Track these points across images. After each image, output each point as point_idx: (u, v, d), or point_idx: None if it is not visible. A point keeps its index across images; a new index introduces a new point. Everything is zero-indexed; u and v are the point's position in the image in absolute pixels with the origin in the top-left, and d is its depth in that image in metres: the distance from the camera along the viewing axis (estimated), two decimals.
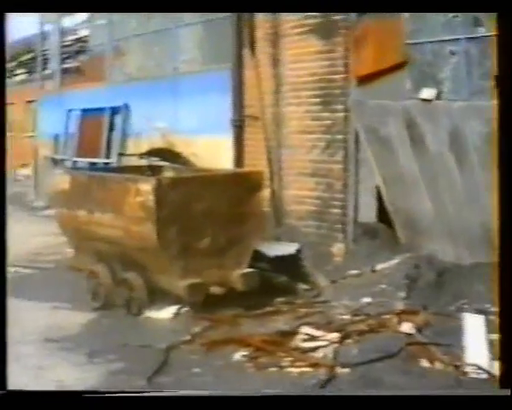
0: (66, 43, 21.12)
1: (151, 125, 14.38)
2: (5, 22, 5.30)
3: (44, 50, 21.83)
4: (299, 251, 9.65)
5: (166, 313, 8.33)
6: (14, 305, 8.80)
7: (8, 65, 40.15)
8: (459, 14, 8.78)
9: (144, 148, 14.28)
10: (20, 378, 6.03)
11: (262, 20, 11.15)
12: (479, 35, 8.67)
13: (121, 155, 15.39)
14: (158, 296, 8.47)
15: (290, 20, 10.61)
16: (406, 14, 9.27)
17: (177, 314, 8.31)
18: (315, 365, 6.45)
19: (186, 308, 8.34)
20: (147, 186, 8.12)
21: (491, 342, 6.45)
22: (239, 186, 8.76)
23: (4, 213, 5.32)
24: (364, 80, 9.66)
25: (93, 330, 8.10)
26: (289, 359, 6.64)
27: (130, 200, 8.26)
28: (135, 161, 14.12)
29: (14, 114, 34.01)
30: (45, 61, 21.96)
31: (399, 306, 7.83)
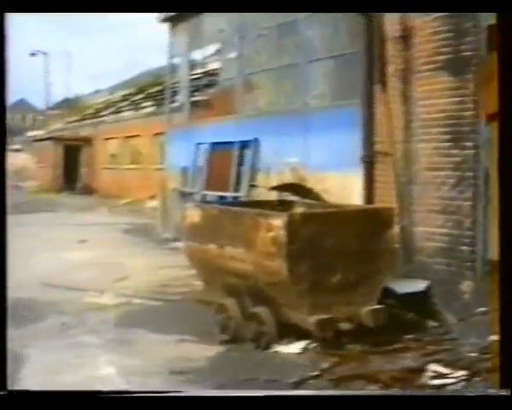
0: (196, 76, 21.83)
1: (281, 160, 14.75)
2: (5, 22, 5.56)
3: (173, 83, 22.61)
4: (428, 288, 9.76)
5: (295, 348, 8.48)
6: (140, 336, 9.37)
7: (136, 97, 41.89)
8: None
9: (274, 182, 14.65)
10: None
11: (393, 55, 11.34)
12: None
13: (252, 186, 15.77)
14: (287, 331, 8.64)
15: (421, 56, 10.78)
16: None
17: (305, 349, 8.45)
18: None
19: (315, 344, 8.47)
20: (278, 221, 8.34)
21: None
22: (369, 222, 8.93)
23: (4, 214, 5.69)
24: (495, 118, 9.74)
25: (220, 363, 8.31)
26: None
27: (262, 235, 8.51)
28: (264, 196, 14.51)
29: (141, 146, 35.42)
30: (174, 93, 22.75)
31: None
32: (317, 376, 7.51)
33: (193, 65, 21.30)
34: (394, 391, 5.99)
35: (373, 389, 6.38)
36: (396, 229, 9.14)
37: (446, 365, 7.49)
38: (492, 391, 5.46)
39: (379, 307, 8.70)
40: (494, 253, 9.57)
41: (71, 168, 41.66)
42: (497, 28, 5.21)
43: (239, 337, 8.97)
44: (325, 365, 7.85)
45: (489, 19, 8.91)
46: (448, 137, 10.31)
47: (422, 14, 10.42)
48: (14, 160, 67.97)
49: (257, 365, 8.10)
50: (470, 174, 9.98)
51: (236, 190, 16.64)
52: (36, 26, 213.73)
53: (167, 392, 5.92)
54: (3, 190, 5.72)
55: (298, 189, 12.90)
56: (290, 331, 8.66)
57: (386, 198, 11.19)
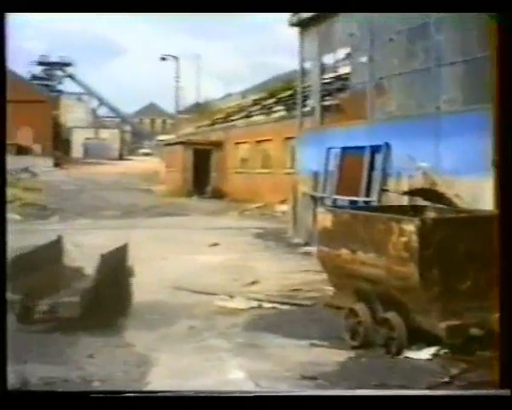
0: (327, 81, 22.05)
1: (412, 165, 14.81)
2: (5, 22, 5.59)
3: (304, 87, 22.90)
4: None
5: (425, 353, 8.58)
6: (270, 341, 9.63)
7: (268, 101, 42.51)
8: None
9: (405, 187, 14.70)
10: None
11: None
12: None
13: (384, 191, 15.89)
14: (417, 337, 8.72)
15: None
16: None
17: (435, 355, 8.54)
18: None
19: (445, 350, 8.55)
20: (411, 226, 8.49)
21: None
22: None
23: (4, 214, 5.75)
24: None
25: (351, 368, 8.44)
26: None
27: (394, 240, 8.66)
28: (395, 201, 14.59)
29: (272, 150, 35.95)
30: (304, 98, 23.02)
31: None
32: (447, 383, 7.58)
33: (324, 69, 21.48)
34: (394, 391, 6.02)
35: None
36: None
37: None
38: (492, 391, 5.45)
39: None
40: None
41: (201, 172, 42.51)
42: (497, 28, 5.23)
43: (369, 343, 9.10)
44: (455, 371, 7.94)
45: None
46: None
47: None
48: (144, 164, 70.11)
49: (387, 370, 8.22)
50: None
51: (367, 194, 16.75)
52: (166, 31, 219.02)
53: (150, 392, 6.23)
54: (3, 190, 5.80)
55: (429, 193, 12.91)
56: (420, 337, 8.73)
57: None
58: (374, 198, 16.38)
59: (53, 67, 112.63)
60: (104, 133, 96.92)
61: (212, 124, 49.67)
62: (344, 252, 9.64)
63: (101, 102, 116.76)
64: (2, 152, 5.75)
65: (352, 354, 8.95)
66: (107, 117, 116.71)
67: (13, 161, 55.56)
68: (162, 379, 8.01)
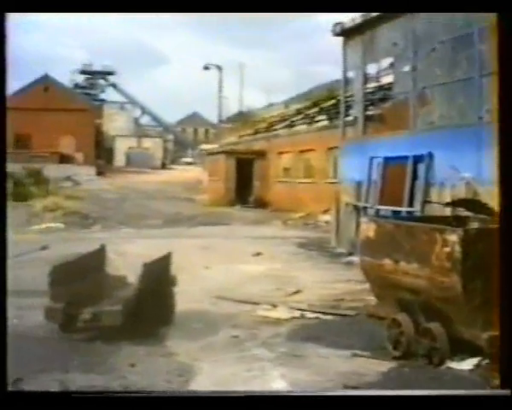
0: (369, 90, 22.11)
1: (455, 175, 14.80)
2: (5, 22, 5.62)
3: (347, 97, 23.00)
4: None
5: (467, 364, 8.60)
6: (313, 351, 9.69)
7: (310, 111, 42.61)
8: None
9: (447, 197, 14.69)
10: None
11: None
12: None
13: (427, 202, 15.89)
14: (459, 347, 8.74)
15: None
16: None
17: (477, 366, 8.55)
18: None
19: (487, 360, 8.54)
20: (454, 237, 8.54)
21: None
22: None
23: (5, 216, 5.90)
24: None
25: (393, 379, 8.47)
26: None
27: (437, 250, 8.71)
28: (438, 211, 14.59)
29: (314, 160, 36.03)
30: (347, 107, 23.12)
31: None
32: None
33: (366, 79, 21.55)
34: (394, 391, 6.02)
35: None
36: None
37: None
38: (492, 391, 5.44)
39: None
40: None
41: (244, 182, 42.66)
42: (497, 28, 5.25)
43: (411, 353, 9.13)
44: (496, 381, 7.74)
45: None
46: None
47: None
48: (187, 173, 70.45)
49: (429, 381, 8.24)
50: None
51: (410, 204, 16.77)
52: (210, 40, 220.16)
53: (150, 392, 6.31)
54: (4, 190, 5.95)
55: (472, 204, 12.89)
56: (463, 347, 8.75)
57: None
58: (417, 208, 16.40)
59: (95, 76, 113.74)
60: (147, 142, 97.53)
61: (255, 133, 49.85)
62: (387, 262, 9.69)
63: (144, 110, 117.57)
64: (3, 154, 5.89)
65: (393, 364, 8.98)
66: (150, 126, 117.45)
67: (55, 170, 56.32)
68: (205, 389, 8.05)
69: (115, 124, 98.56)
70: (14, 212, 34.29)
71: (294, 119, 44.63)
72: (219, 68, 67.79)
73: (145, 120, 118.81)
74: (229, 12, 6.24)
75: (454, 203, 13.27)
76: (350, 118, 22.79)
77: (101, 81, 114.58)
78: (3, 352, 5.74)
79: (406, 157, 17.19)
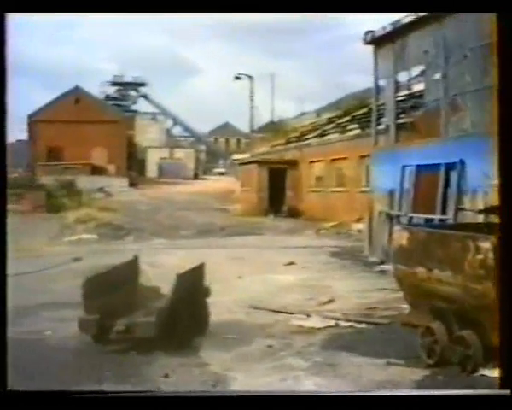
0: (400, 98, 22.10)
1: (487, 182, 14.73)
2: (5, 22, 5.60)
3: (379, 105, 23.02)
4: None
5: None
6: (347, 360, 9.72)
7: (342, 119, 42.64)
8: None
9: (480, 204, 14.66)
10: None
11: None
12: None
13: (459, 209, 15.85)
14: (493, 355, 8.53)
15: None
16: None
17: None
18: None
19: None
20: (487, 244, 8.52)
21: None
22: None
23: (4, 217, 5.83)
24: None
25: (427, 386, 8.45)
26: None
27: (470, 257, 8.70)
28: (471, 218, 14.55)
29: (347, 168, 36.03)
30: (379, 116, 23.12)
31: None
32: None
33: (398, 87, 21.55)
34: (394, 391, 6.00)
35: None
36: None
37: None
38: (492, 391, 5.41)
39: None
40: None
41: (276, 191, 42.71)
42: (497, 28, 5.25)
43: (445, 361, 9.12)
44: None
45: None
46: None
47: None
48: (219, 183, 70.65)
49: (462, 388, 8.15)
50: None
51: (443, 212, 16.74)
52: (240, 50, 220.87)
53: (150, 392, 6.34)
54: (4, 191, 5.85)
55: None
56: (496, 355, 8.55)
57: None
58: (449, 216, 16.36)
59: (127, 88, 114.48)
60: (179, 153, 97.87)
61: (287, 143, 49.92)
62: (420, 270, 9.66)
63: (176, 121, 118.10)
64: (3, 154, 5.82)
65: (427, 372, 8.97)
66: (182, 137, 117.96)
67: (87, 181, 56.77)
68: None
69: (147, 135, 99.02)
70: (46, 223, 34.72)
71: (326, 128, 44.65)
72: (250, 78, 67.98)
73: (177, 130, 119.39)
74: (236, 12, 6.27)
75: (486, 210, 13.23)
76: (381, 126, 22.80)
77: (133, 92, 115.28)
78: (3, 353, 5.68)
79: (438, 165, 17.17)
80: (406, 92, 22.22)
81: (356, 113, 41.48)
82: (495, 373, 8.50)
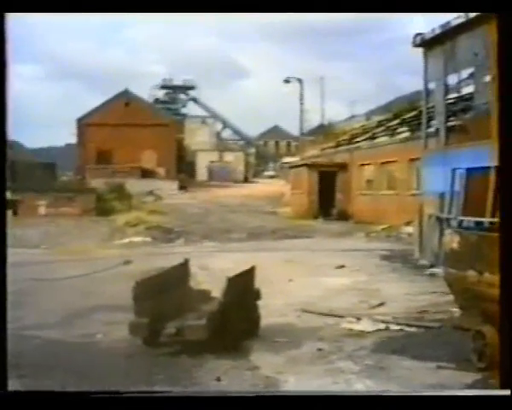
0: (450, 101, 22.01)
1: None
2: (5, 22, 5.62)
3: (429, 108, 22.92)
4: None
5: None
6: (398, 363, 9.73)
7: (392, 122, 42.48)
8: None
9: None
10: None
11: None
12: None
13: None
14: None
15: None
16: None
17: None
18: None
19: None
20: None
21: None
22: None
23: (4, 217, 5.81)
24: None
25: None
26: None
27: None
28: None
29: (397, 171, 35.91)
30: (429, 118, 23.03)
31: None
32: None
33: (447, 89, 21.45)
34: (394, 391, 5.96)
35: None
36: None
37: None
38: (492, 391, 5.37)
39: None
40: None
41: (326, 194, 42.68)
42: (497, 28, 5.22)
43: (496, 364, 8.99)
44: None
45: None
46: None
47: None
48: (269, 186, 70.75)
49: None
50: None
51: (494, 215, 16.62)
52: (290, 52, 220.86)
53: (150, 392, 6.36)
54: (3, 191, 5.87)
55: None
56: None
57: None
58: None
59: (176, 91, 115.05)
60: (228, 156, 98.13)
61: (337, 146, 49.84)
62: (471, 273, 9.69)
63: (226, 124, 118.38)
64: (3, 154, 5.84)
65: (478, 375, 8.95)
66: (232, 140, 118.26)
67: (137, 185, 57.23)
68: None
69: (197, 138, 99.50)
70: (97, 226, 35.14)
71: (376, 131, 44.52)
72: (300, 81, 67.94)
73: (227, 133, 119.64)
74: (245, 12, 6.33)
75: None
76: (431, 129, 22.71)
77: (182, 96, 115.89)
78: (3, 352, 5.64)
79: (489, 168, 17.06)
80: (456, 95, 22.11)
81: (406, 115, 41.26)
82: None
